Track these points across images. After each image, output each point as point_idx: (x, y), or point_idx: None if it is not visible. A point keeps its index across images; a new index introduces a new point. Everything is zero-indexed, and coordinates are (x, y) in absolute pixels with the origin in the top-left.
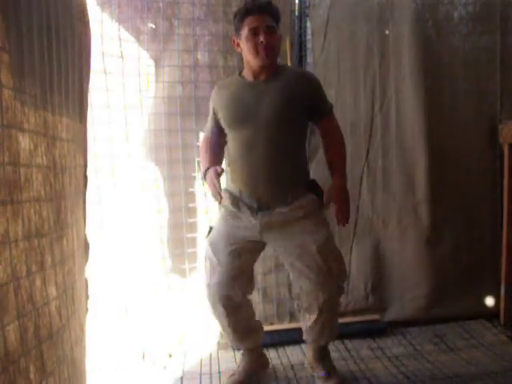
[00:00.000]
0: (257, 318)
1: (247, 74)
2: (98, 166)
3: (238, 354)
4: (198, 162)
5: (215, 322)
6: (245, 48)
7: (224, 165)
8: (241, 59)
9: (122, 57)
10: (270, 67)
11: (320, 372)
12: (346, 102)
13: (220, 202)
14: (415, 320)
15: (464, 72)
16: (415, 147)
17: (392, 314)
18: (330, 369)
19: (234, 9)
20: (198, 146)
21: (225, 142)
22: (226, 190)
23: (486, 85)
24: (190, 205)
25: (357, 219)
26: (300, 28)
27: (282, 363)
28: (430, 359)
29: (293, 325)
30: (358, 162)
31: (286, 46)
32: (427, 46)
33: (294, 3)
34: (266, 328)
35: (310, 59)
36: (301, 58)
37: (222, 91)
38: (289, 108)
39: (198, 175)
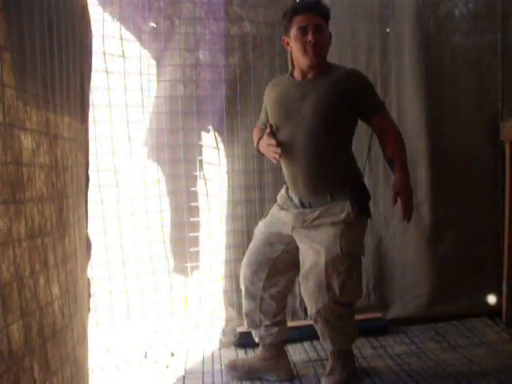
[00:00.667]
0: None
1: (296, 74)
2: (99, 165)
3: (241, 353)
4: (200, 161)
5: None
6: (294, 47)
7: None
8: (242, 58)
9: (123, 56)
10: (318, 66)
11: (327, 366)
12: None
13: (279, 158)
14: (417, 318)
15: (465, 70)
16: (416, 146)
17: (394, 312)
18: (336, 367)
19: (235, 7)
20: (200, 145)
21: None
22: (284, 187)
23: (488, 83)
24: (192, 204)
25: None
26: None
27: None
28: (432, 357)
29: (294, 323)
30: (359, 160)
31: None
32: (428, 44)
33: (295, 1)
34: None
35: None
36: None
37: (272, 90)
38: (330, 108)
39: (200, 174)
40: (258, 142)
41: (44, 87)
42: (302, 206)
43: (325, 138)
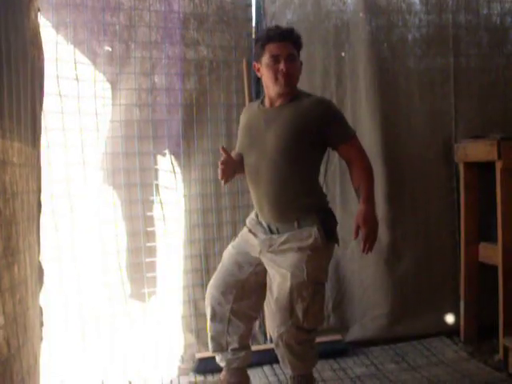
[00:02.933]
0: None
1: (266, 100)
2: (53, 190)
3: (200, 379)
4: (156, 186)
5: None
6: (265, 74)
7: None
8: (199, 82)
9: (77, 79)
10: (287, 94)
11: None
12: None
13: (225, 183)
14: (377, 339)
15: (419, 93)
16: (372, 167)
17: (354, 333)
18: None
19: (191, 32)
20: (156, 169)
21: None
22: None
23: (441, 105)
24: (149, 229)
25: None
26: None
27: None
28: (391, 378)
29: (254, 347)
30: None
31: (243, 67)
32: (383, 68)
33: (251, 26)
34: None
35: None
36: (258, 79)
37: (244, 116)
38: (295, 136)
39: (156, 199)
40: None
41: None
42: (271, 231)
43: (287, 166)
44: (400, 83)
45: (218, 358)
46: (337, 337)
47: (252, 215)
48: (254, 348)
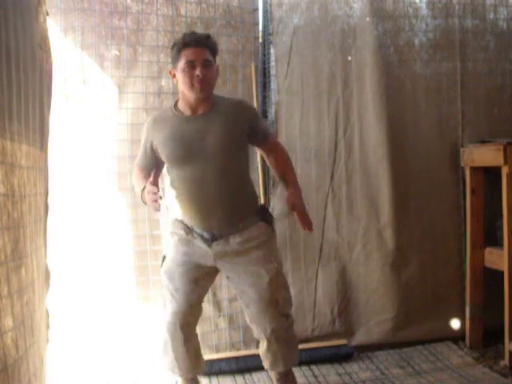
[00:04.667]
0: (223, 345)
1: (184, 108)
2: (60, 193)
3: (205, 381)
4: (163, 189)
5: (166, 355)
6: (180, 80)
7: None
8: None
9: (85, 83)
10: (207, 100)
11: None
12: (310, 128)
13: (158, 210)
14: (382, 344)
15: (426, 97)
16: (378, 172)
17: (359, 338)
18: None
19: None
20: (163, 173)
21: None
22: (177, 220)
23: (448, 110)
24: (155, 232)
25: (322, 243)
26: (264, 55)
27: None
28: (396, 383)
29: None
30: (322, 186)
31: (252, 72)
32: (389, 72)
33: (258, 30)
34: (233, 354)
35: (273, 85)
36: (264, 84)
37: (159, 126)
38: (233, 139)
39: (162, 202)
40: (142, 193)
41: (0, 115)
42: (214, 239)
43: (233, 171)
44: (406, 87)
45: (189, 371)
46: (342, 341)
47: (178, 225)
48: (255, 352)
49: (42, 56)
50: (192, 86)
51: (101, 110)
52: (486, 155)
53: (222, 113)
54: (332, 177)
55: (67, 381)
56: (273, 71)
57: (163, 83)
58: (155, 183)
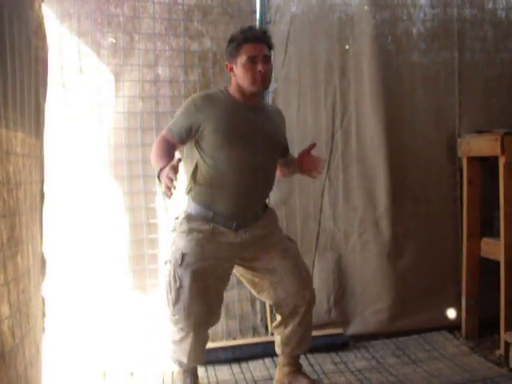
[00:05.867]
0: (220, 334)
1: (237, 96)
2: (55, 181)
3: (201, 370)
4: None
5: (178, 346)
6: (240, 74)
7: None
8: (202, 74)
9: (81, 71)
10: (259, 95)
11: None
12: (307, 117)
13: (169, 197)
14: (378, 333)
15: (423, 87)
16: (375, 162)
17: (355, 327)
18: (300, 369)
19: (195, 24)
20: None
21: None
22: (191, 215)
23: (445, 99)
24: (151, 220)
25: (318, 233)
26: None
27: (245, 378)
28: (392, 372)
29: (256, 339)
30: (319, 176)
31: None
32: (387, 62)
33: (255, 18)
34: (229, 343)
35: None
36: None
37: (211, 104)
38: (277, 137)
39: (159, 190)
40: (160, 171)
41: None
42: (238, 227)
43: (273, 166)
44: (404, 77)
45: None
46: (338, 330)
47: (194, 224)
48: (255, 340)
49: (38, 43)
50: (254, 80)
51: (97, 98)
52: (483, 145)
53: (267, 111)
54: (329, 166)
55: (63, 369)
56: None
57: (160, 71)
58: (176, 169)
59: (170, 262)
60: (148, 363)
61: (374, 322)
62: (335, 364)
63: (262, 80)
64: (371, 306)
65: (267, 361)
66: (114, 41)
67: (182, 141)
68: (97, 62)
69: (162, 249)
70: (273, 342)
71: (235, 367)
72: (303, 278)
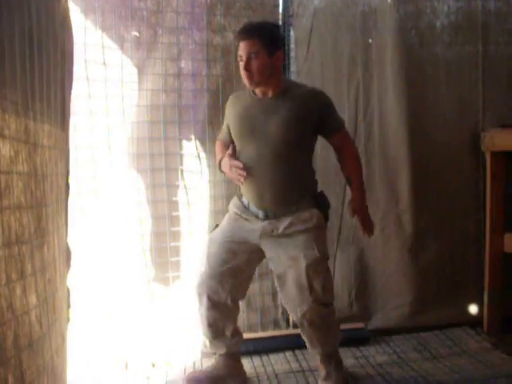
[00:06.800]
0: (240, 327)
1: (257, 90)
2: (79, 173)
3: None
4: (181, 171)
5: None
6: None
7: None
8: (225, 68)
9: (105, 64)
10: (270, 86)
11: (322, 372)
12: None
13: (242, 183)
14: (399, 328)
15: (447, 81)
16: (398, 156)
17: (376, 322)
18: (331, 371)
19: (218, 18)
20: (182, 155)
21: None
22: (235, 198)
23: (469, 94)
24: (173, 213)
25: (340, 227)
26: (284, 37)
27: (266, 371)
28: (413, 367)
29: (277, 332)
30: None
31: None
32: (410, 55)
33: (278, 12)
34: (250, 336)
35: (293, 68)
36: (284, 67)
37: (235, 104)
38: (295, 126)
39: (181, 183)
40: (220, 161)
41: (24, 95)
42: (267, 217)
43: (290, 154)
44: (427, 71)
45: (215, 345)
46: (359, 325)
47: (236, 203)
48: (276, 333)
49: (64, 36)
50: (244, 78)
51: (120, 91)
52: (507, 139)
53: (290, 99)
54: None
55: (88, 360)
56: (292, 54)
57: (183, 65)
58: (233, 156)
59: None
60: (169, 355)
61: (395, 317)
62: (356, 358)
63: (248, 78)
64: (393, 300)
65: (288, 354)
66: (138, 34)
67: (225, 140)
68: (120, 56)
69: (184, 242)
70: (293, 335)
71: (256, 360)
72: (302, 297)
